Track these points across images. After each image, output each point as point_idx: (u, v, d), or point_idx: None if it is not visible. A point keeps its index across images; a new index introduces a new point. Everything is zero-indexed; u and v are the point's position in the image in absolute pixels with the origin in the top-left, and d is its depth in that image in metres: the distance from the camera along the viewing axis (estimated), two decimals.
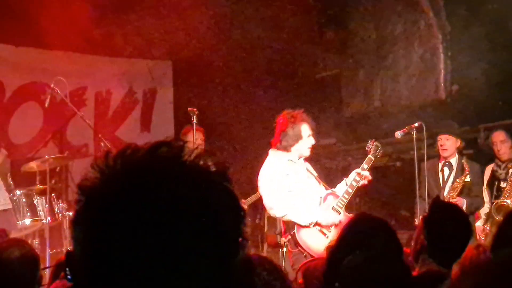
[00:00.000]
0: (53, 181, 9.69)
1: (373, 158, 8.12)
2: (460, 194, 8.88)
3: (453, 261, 4.30)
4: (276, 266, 3.78)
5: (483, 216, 9.19)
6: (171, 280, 1.32)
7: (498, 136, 9.16)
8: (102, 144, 9.81)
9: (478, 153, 10.44)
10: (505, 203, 8.76)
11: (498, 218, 8.59)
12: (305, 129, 7.79)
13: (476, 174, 9.05)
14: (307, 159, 8.10)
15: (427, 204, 8.70)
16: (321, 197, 7.90)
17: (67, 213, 9.60)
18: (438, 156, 9.18)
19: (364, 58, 11.95)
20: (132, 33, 11.67)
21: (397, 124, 9.57)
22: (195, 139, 9.27)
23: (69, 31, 10.94)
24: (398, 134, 8.82)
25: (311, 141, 7.82)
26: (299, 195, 7.69)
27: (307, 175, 7.97)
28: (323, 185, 8.08)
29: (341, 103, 12.45)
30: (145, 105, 12.67)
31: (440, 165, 9.16)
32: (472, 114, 10.47)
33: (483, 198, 9.22)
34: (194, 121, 9.04)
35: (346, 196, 7.82)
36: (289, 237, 7.75)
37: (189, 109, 9.12)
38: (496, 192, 9.08)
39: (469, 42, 10.34)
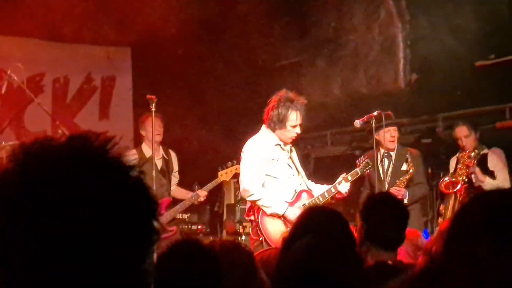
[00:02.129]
0: None
1: (359, 173, 8.16)
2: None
3: (395, 244, 4.36)
4: (245, 251, 3.78)
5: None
6: (58, 274, 1.29)
7: (461, 131, 9.19)
8: (60, 131, 9.71)
9: (436, 141, 10.51)
10: (453, 180, 8.89)
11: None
12: (293, 118, 7.74)
13: (415, 161, 9.09)
14: (294, 145, 8.10)
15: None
16: (295, 191, 7.88)
17: None
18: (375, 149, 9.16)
19: (324, 47, 11.94)
20: (90, 19, 11.55)
21: (356, 113, 9.58)
22: (153, 127, 9.22)
23: (26, 17, 10.82)
24: (357, 122, 8.83)
25: (297, 130, 7.79)
26: (275, 183, 7.68)
27: (290, 164, 7.95)
28: (305, 178, 8.08)
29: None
30: (103, 92, 12.58)
31: (379, 156, 9.18)
32: (431, 103, 10.52)
33: (426, 184, 9.29)
34: (153, 109, 8.99)
35: (321, 199, 7.84)
36: (252, 217, 7.75)
37: (147, 96, 9.07)
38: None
39: (428, 31, 10.38)
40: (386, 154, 9.20)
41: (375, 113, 8.79)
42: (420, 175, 9.18)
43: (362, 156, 8.49)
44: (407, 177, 8.90)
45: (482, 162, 9.00)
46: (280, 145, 7.81)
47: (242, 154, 7.90)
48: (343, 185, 7.93)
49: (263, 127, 7.90)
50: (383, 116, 8.77)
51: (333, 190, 7.89)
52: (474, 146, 9.12)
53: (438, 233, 4.87)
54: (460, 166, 8.98)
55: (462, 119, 9.53)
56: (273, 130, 7.76)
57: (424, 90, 10.53)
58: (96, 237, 1.30)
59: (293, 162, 8.03)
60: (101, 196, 1.33)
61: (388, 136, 9.08)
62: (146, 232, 1.38)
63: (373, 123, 8.83)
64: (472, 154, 8.89)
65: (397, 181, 8.91)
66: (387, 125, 9.03)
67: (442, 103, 10.49)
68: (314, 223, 3.81)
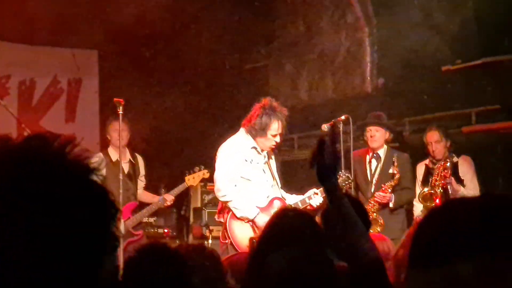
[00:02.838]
0: None
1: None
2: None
3: None
4: (211, 254, 3.76)
5: (419, 213, 9.18)
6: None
7: (432, 136, 9.16)
8: (26, 133, 9.62)
9: (403, 146, 10.54)
10: (431, 192, 8.84)
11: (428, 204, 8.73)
12: (274, 127, 7.74)
13: (403, 166, 9.10)
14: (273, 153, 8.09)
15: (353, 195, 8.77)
16: (268, 197, 7.86)
17: None
18: (366, 148, 9.23)
19: (292, 50, 11.96)
20: (56, 22, 11.46)
21: (323, 117, 9.60)
22: (121, 131, 9.17)
23: None
24: (325, 126, 8.82)
25: (276, 140, 7.78)
26: (247, 186, 7.67)
27: (265, 169, 7.94)
28: (277, 185, 8.06)
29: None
30: (70, 94, 12.48)
31: (368, 157, 9.21)
32: (398, 107, 10.56)
33: (413, 189, 9.29)
34: (120, 112, 8.94)
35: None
36: (222, 219, 7.73)
37: (115, 99, 9.01)
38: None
39: (395, 35, 10.42)
40: (375, 155, 9.21)
41: (342, 117, 8.80)
42: (407, 180, 9.18)
43: (343, 174, 8.31)
44: (393, 183, 8.88)
45: (453, 171, 9.01)
46: (256, 148, 7.81)
47: (217, 154, 7.89)
48: (316, 198, 7.90)
49: (242, 130, 7.89)
50: (350, 120, 8.77)
51: (307, 200, 7.87)
52: (443, 153, 9.09)
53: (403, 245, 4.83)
54: (435, 177, 8.92)
55: (429, 123, 9.56)
56: (254, 137, 7.77)
57: (391, 95, 10.57)
58: (49, 241, 1.27)
59: (270, 169, 8.02)
60: (57, 198, 1.30)
61: (368, 135, 9.12)
62: (103, 237, 1.35)
63: (341, 127, 8.83)
64: (448, 165, 8.85)
65: (382, 185, 8.90)
66: (368, 124, 9.06)
67: (409, 107, 10.53)
68: (285, 230, 3.79)
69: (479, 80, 9.85)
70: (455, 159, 9.07)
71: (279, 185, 8.09)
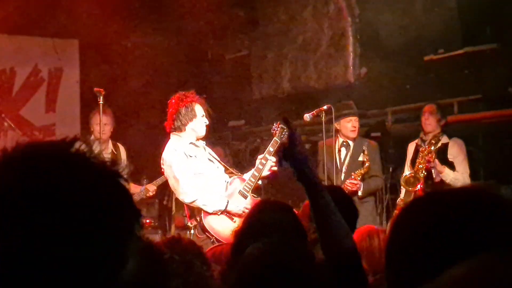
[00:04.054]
0: None
1: (278, 141, 8.03)
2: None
3: None
4: (189, 244, 3.71)
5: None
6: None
7: (429, 108, 9.17)
8: (6, 123, 9.58)
9: (385, 135, 10.56)
10: (412, 175, 8.83)
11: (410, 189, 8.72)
12: (199, 109, 7.74)
13: (372, 154, 9.11)
14: (212, 142, 8.07)
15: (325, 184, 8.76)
16: (226, 182, 7.86)
17: None
18: (334, 137, 9.18)
19: (274, 40, 11.94)
20: (36, 11, 11.39)
21: (306, 107, 9.59)
22: (101, 121, 9.12)
23: None
24: (307, 116, 8.82)
25: (205, 120, 7.77)
26: (204, 179, 7.65)
27: (210, 159, 7.93)
28: (228, 168, 8.05)
29: (250, 84, 12.43)
30: (50, 84, 12.40)
31: (337, 146, 9.20)
32: (380, 97, 10.57)
33: (381, 177, 9.31)
34: (101, 102, 8.87)
35: (253, 180, 7.78)
36: (195, 222, 7.70)
37: (95, 89, 8.95)
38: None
39: (377, 25, 10.42)
40: (344, 143, 9.20)
41: (324, 107, 8.79)
42: (376, 168, 9.20)
43: (276, 127, 8.29)
44: (362, 171, 8.91)
45: (442, 152, 8.98)
46: (193, 143, 7.78)
47: (163, 165, 7.84)
48: (268, 164, 7.85)
49: (171, 136, 7.85)
50: (332, 110, 8.77)
51: (260, 167, 7.82)
52: (434, 128, 9.08)
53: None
54: (419, 160, 8.92)
55: (411, 113, 9.58)
56: (182, 129, 7.73)
57: (373, 84, 10.57)
58: (78, 242, 1.29)
59: (213, 156, 8.03)
60: (89, 202, 1.32)
61: (350, 125, 9.11)
62: (128, 239, 1.37)
63: (323, 117, 8.83)
64: (432, 148, 8.84)
65: (352, 173, 8.91)
66: (349, 115, 9.06)
67: (391, 97, 10.55)
68: (265, 221, 3.78)
69: (461, 70, 9.88)
70: (445, 139, 9.05)
71: (228, 170, 8.09)
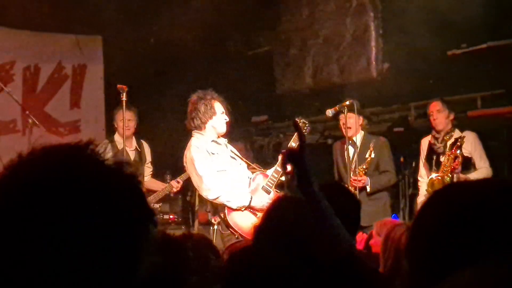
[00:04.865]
0: None
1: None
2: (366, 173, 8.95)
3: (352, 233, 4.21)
4: (201, 239, 3.73)
5: (424, 192, 9.17)
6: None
7: (435, 106, 9.15)
8: (30, 120, 9.63)
9: (408, 130, 10.53)
10: (439, 178, 8.75)
11: None
12: (218, 106, 7.76)
13: (381, 149, 9.08)
14: (235, 139, 8.08)
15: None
16: (250, 178, 7.87)
17: None
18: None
19: (296, 36, 11.94)
20: (60, 7, 11.45)
21: (328, 102, 9.58)
22: (125, 117, 9.17)
23: None
24: (330, 112, 8.82)
25: (225, 117, 7.79)
26: (228, 176, 7.66)
27: (232, 156, 7.94)
28: (250, 165, 8.06)
29: (273, 80, 12.43)
30: (74, 80, 12.45)
31: (345, 145, 9.17)
32: (403, 92, 10.54)
33: (392, 171, 9.28)
34: (124, 99, 8.90)
35: (276, 175, 7.78)
36: (219, 219, 7.72)
37: (118, 86, 8.97)
38: (436, 167, 9.07)
39: (400, 20, 10.38)
40: (350, 141, 9.18)
41: (347, 102, 8.79)
42: (386, 163, 9.18)
43: (306, 126, 8.28)
44: (364, 166, 8.88)
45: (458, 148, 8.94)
46: (215, 141, 7.80)
47: (186, 163, 7.88)
48: None
49: (193, 134, 7.87)
50: (355, 105, 8.77)
51: (279, 169, 7.82)
52: (445, 125, 9.06)
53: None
54: (445, 162, 8.82)
55: None
56: (202, 128, 7.75)
57: (396, 79, 10.54)
58: (97, 241, 1.33)
59: (236, 154, 8.04)
60: (106, 203, 1.36)
61: (341, 124, 9.10)
62: (143, 238, 1.41)
63: (346, 112, 8.83)
64: (458, 152, 8.74)
65: (356, 169, 8.88)
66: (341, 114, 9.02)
67: (414, 92, 10.51)
68: (286, 214, 3.78)
69: (484, 65, 9.83)
70: (457, 133, 9.01)
71: (251, 166, 8.09)
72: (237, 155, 8.04)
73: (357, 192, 8.66)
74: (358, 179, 8.78)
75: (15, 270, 1.31)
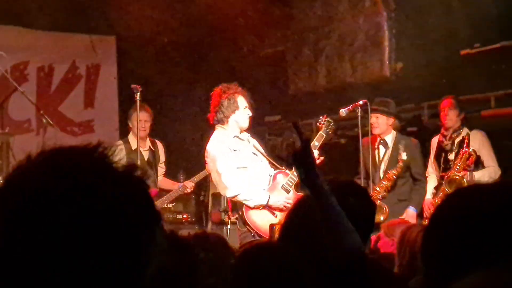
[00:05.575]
0: None
1: (324, 135, 8.01)
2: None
3: (365, 236, 4.13)
4: (217, 238, 3.74)
5: (431, 190, 9.16)
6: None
7: (448, 103, 9.10)
8: (44, 120, 9.67)
9: (422, 130, 10.52)
10: (457, 177, 8.71)
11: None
12: (241, 100, 7.74)
13: (412, 152, 9.03)
14: (253, 136, 8.07)
15: (362, 182, 8.73)
16: (270, 176, 7.86)
17: None
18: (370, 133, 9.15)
19: (309, 35, 11.93)
20: (74, 7, 11.49)
21: (341, 102, 9.58)
22: (138, 119, 9.17)
23: (8, 4, 10.76)
24: (343, 111, 8.81)
25: (248, 112, 7.77)
26: (247, 173, 7.66)
27: (254, 152, 7.93)
28: (272, 162, 8.04)
29: (286, 79, 12.43)
30: (88, 80, 12.50)
31: (376, 143, 9.15)
32: (416, 92, 10.52)
33: (424, 175, 9.25)
34: (138, 98, 8.92)
35: (295, 175, 7.77)
36: (237, 215, 7.73)
37: (132, 85, 9.00)
38: (444, 164, 9.06)
39: (413, 19, 10.37)
40: (382, 141, 9.15)
41: (360, 102, 8.78)
42: (418, 166, 9.14)
43: (322, 120, 8.24)
44: (395, 171, 8.76)
45: (463, 145, 8.92)
46: (237, 136, 7.79)
47: (207, 158, 7.87)
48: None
49: (216, 128, 7.86)
50: (368, 105, 8.76)
51: None
52: (455, 122, 9.04)
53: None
54: (458, 161, 8.79)
55: None
56: (225, 122, 7.74)
57: (409, 79, 10.52)
58: (104, 244, 1.34)
59: (258, 150, 8.02)
60: (114, 207, 1.36)
61: (370, 123, 9.08)
62: (151, 240, 1.41)
63: (359, 112, 8.82)
64: (471, 150, 8.71)
65: (389, 171, 8.83)
66: (372, 111, 8.98)
67: (427, 91, 10.49)
68: (308, 214, 3.78)
69: (498, 64, 9.80)
70: (465, 131, 9.00)
71: (273, 164, 8.06)
72: (259, 151, 8.01)
73: (385, 194, 8.66)
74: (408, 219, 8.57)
75: (24, 276, 1.32)
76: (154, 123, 10.02)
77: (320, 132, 8.04)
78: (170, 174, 10.32)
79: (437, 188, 9.14)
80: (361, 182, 8.74)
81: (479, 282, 1.46)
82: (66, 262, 1.31)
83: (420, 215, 9.01)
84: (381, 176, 8.96)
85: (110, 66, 12.58)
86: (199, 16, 12.04)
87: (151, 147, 9.93)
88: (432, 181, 9.25)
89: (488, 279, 1.46)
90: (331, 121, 8.23)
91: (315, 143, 7.80)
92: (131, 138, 9.75)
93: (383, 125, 9.06)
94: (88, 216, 1.32)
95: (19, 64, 11.70)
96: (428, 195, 9.15)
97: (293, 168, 7.31)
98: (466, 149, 8.69)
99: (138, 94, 8.88)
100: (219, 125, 7.81)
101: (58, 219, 1.31)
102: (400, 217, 8.47)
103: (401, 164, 8.75)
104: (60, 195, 1.33)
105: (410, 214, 8.83)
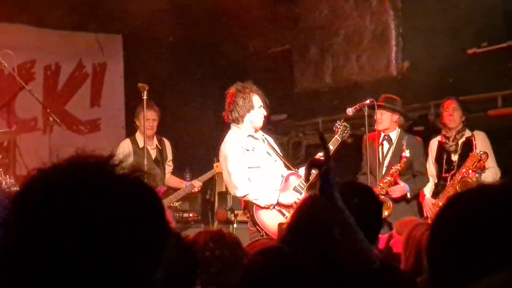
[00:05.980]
0: (0, 156, 9.56)
1: (339, 139, 8.02)
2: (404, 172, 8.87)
3: (373, 235, 4.10)
4: (232, 238, 3.75)
5: (430, 190, 9.15)
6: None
7: (452, 103, 9.06)
8: (51, 118, 9.68)
9: (428, 129, 10.50)
10: (469, 180, 8.68)
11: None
12: (256, 100, 7.74)
13: (414, 149, 9.01)
14: (269, 134, 8.06)
15: (369, 179, 8.72)
16: (282, 176, 7.85)
17: (15, 188, 9.46)
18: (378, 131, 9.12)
19: (316, 34, 11.93)
20: (80, 6, 11.51)
21: (348, 101, 9.57)
22: (146, 117, 9.18)
23: (14, 3, 10.77)
24: (350, 110, 8.80)
25: (263, 111, 7.77)
26: (259, 173, 7.65)
27: (269, 151, 7.92)
28: (285, 162, 8.03)
29: (292, 78, 12.43)
30: (94, 79, 12.51)
31: (380, 139, 9.13)
32: (423, 91, 10.51)
33: (425, 173, 9.23)
34: (144, 97, 8.94)
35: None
36: (248, 215, 7.73)
37: (139, 84, 9.01)
38: (447, 165, 9.04)
39: (420, 18, 10.37)
40: (386, 137, 9.13)
41: (367, 101, 8.76)
42: (420, 164, 9.12)
43: (339, 125, 8.26)
44: (399, 167, 8.76)
45: (466, 146, 8.92)
46: (252, 135, 7.78)
47: (220, 157, 7.88)
48: None
49: (231, 126, 7.86)
50: (375, 105, 8.75)
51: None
52: (458, 123, 9.03)
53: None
54: (468, 163, 8.75)
55: None
56: (240, 121, 7.73)
57: (416, 78, 10.52)
58: (115, 251, 1.35)
59: (273, 149, 8.01)
60: (127, 217, 1.38)
61: (375, 119, 9.05)
62: (160, 245, 1.43)
63: (366, 111, 8.81)
64: (481, 153, 8.69)
65: (392, 167, 8.81)
66: (378, 108, 8.96)
67: (434, 90, 10.47)
68: (316, 214, 3.77)
69: (505, 63, 9.80)
70: (467, 132, 8.99)
71: (287, 165, 8.05)
72: (274, 150, 8.00)
73: (387, 189, 8.65)
74: (396, 189, 8.72)
75: (33, 280, 1.33)
76: (161, 121, 10.03)
77: (336, 136, 8.05)
78: (177, 172, 10.33)
79: (436, 188, 9.13)
80: (367, 177, 8.75)
81: (499, 282, 1.46)
82: (75, 267, 1.32)
83: (420, 213, 9.02)
84: (384, 172, 8.94)
85: (117, 65, 12.59)
86: (205, 15, 12.05)
87: (158, 145, 9.94)
88: (431, 182, 9.23)
89: (494, 284, 1.46)
90: (348, 125, 8.24)
91: (330, 147, 7.77)
92: (138, 136, 9.77)
93: (386, 121, 9.04)
94: (97, 224, 1.34)
95: (26, 62, 11.71)
96: (428, 195, 9.15)
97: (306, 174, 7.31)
98: (478, 152, 8.66)
99: (145, 92, 8.89)
100: (234, 124, 7.81)
101: (67, 234, 1.32)
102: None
103: (404, 160, 8.73)
104: (72, 210, 1.34)
105: (401, 188, 8.80)
